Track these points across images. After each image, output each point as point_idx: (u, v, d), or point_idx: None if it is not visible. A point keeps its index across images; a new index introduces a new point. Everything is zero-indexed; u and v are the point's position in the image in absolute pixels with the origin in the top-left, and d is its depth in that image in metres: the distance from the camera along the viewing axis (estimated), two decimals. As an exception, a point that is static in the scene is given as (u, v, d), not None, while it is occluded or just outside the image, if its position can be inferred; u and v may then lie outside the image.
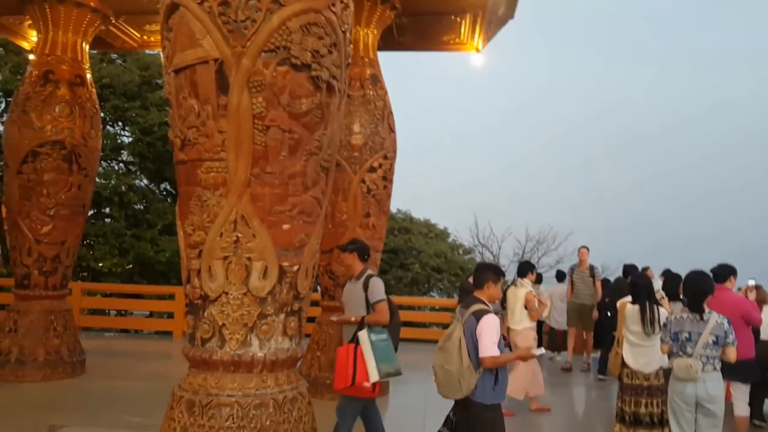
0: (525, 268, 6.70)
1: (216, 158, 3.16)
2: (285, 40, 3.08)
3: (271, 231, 3.16)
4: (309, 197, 3.38)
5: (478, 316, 3.35)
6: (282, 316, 3.16)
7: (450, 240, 19.91)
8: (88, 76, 7.09)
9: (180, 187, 3.38)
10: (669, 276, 5.84)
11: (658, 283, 6.24)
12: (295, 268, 3.21)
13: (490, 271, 3.58)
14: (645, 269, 7.78)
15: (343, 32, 3.40)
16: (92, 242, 13.62)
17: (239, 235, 3.11)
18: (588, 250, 9.02)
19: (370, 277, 4.34)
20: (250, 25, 3.01)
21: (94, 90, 7.17)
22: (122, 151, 14.71)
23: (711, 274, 4.40)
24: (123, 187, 13.87)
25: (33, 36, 7.78)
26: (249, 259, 3.12)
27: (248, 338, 3.07)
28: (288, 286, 3.16)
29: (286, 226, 3.23)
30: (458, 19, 7.18)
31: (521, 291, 6.32)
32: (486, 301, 3.49)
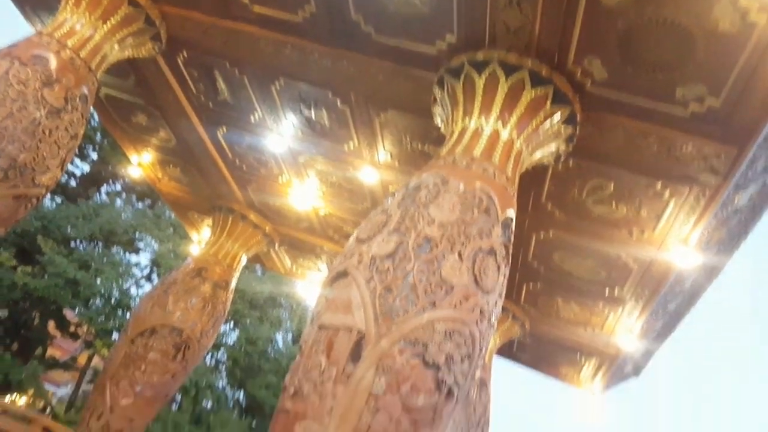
0: None
1: (318, 421, 3.14)
2: (426, 338, 3.20)
3: None
4: (388, 496, 3.17)
5: None
6: None
7: None
8: (233, 283, 7.76)
9: (272, 432, 3.34)
10: None
11: None
12: None
13: None
14: None
15: (480, 348, 3.49)
16: (150, 423, 13.44)
17: None
18: None
19: None
20: (402, 314, 3.19)
21: (231, 296, 7.76)
22: (221, 348, 15.24)
23: None
24: (203, 382, 14.03)
25: (204, 231, 8.85)
26: None
27: None
28: None
29: None
30: (582, 358, 7.13)
31: None
32: None
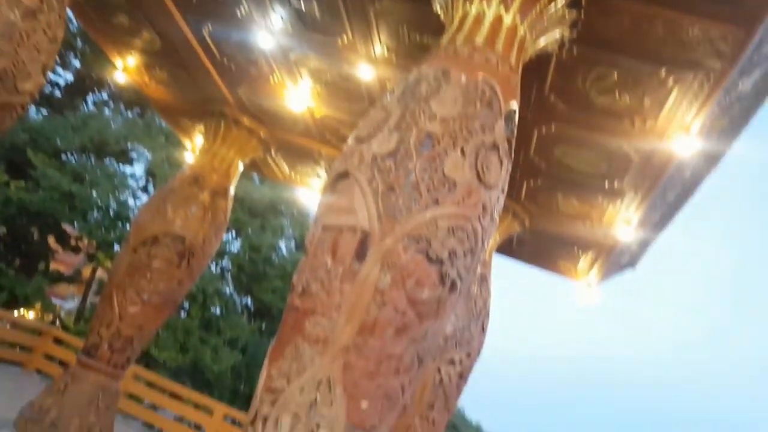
0: None
1: (326, 316, 3.22)
2: (430, 234, 3.22)
3: (349, 404, 3.09)
4: (396, 382, 3.31)
5: None
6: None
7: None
8: (232, 190, 7.72)
9: (282, 329, 3.43)
10: None
11: None
12: (356, 453, 3.06)
13: None
14: None
15: (482, 243, 3.51)
16: (160, 331, 13.93)
17: (318, 397, 3.05)
18: None
19: None
20: (405, 212, 3.19)
21: (231, 203, 7.75)
22: (225, 256, 15.48)
23: None
24: (210, 289, 14.37)
25: (197, 138, 8.69)
26: (317, 425, 3.02)
27: None
28: (341, 470, 3.00)
29: (364, 404, 3.14)
30: (579, 252, 7.26)
31: None
32: None
